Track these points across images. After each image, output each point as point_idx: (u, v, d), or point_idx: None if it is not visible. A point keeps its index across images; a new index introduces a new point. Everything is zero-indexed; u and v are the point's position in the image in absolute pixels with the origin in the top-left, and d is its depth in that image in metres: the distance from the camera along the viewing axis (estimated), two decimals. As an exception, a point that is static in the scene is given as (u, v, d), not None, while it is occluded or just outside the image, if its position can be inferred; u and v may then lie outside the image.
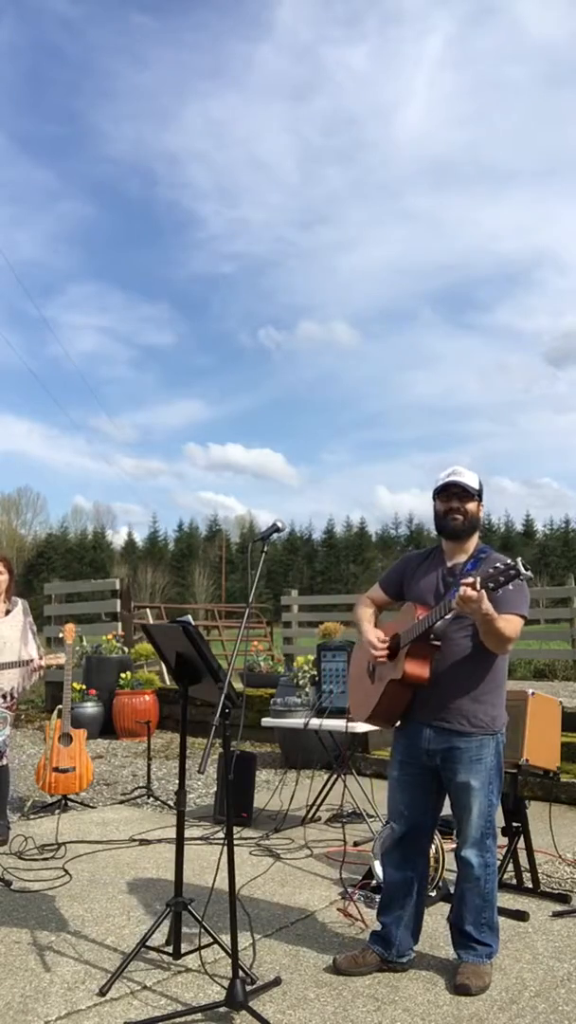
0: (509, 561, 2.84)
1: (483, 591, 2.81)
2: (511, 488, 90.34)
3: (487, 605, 2.85)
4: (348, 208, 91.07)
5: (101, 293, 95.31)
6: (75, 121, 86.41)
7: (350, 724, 5.49)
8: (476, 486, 3.18)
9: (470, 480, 3.18)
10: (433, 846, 3.78)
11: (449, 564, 3.23)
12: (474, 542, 3.23)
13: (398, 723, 3.28)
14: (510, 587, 2.89)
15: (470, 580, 2.83)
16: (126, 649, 10.40)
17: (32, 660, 5.09)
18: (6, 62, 77.27)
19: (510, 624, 2.99)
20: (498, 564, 2.85)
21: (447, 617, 3.05)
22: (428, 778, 3.21)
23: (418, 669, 3.09)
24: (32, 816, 5.77)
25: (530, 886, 4.11)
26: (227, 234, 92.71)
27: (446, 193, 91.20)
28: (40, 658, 5.16)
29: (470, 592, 2.81)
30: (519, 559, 2.82)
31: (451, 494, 3.18)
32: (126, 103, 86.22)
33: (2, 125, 79.50)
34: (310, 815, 5.61)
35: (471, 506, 3.18)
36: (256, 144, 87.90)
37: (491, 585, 2.81)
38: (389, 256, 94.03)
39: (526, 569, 2.77)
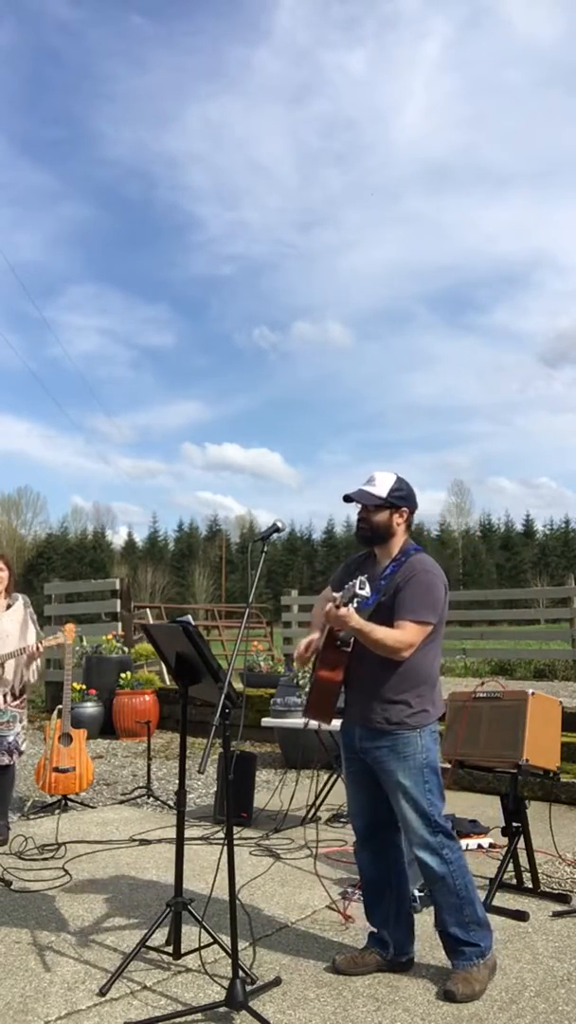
0: (353, 582, 2.98)
1: (349, 608, 2.96)
2: (509, 488, 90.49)
3: (355, 621, 2.98)
4: (346, 210, 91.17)
5: (101, 294, 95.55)
6: (75, 124, 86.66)
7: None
8: (383, 494, 3.20)
9: (378, 488, 3.22)
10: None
11: (376, 568, 3.28)
12: (398, 546, 3.26)
13: (336, 720, 3.31)
14: (408, 589, 3.07)
15: (336, 600, 3.00)
16: (126, 649, 10.39)
17: (27, 647, 5.07)
18: (6, 65, 77.38)
19: (399, 632, 3.03)
20: (349, 583, 3.00)
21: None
22: (372, 772, 3.21)
23: (328, 673, 3.19)
24: (32, 816, 5.77)
25: (530, 886, 4.11)
26: (226, 236, 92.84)
27: (444, 195, 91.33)
28: (39, 644, 5.12)
29: (331, 610, 2.99)
30: (358, 579, 2.98)
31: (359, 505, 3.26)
32: (125, 106, 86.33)
33: (2, 127, 79.64)
34: (310, 815, 5.61)
35: (378, 517, 3.22)
36: (255, 147, 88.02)
37: (345, 603, 2.98)
38: (388, 258, 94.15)
39: (361, 588, 2.95)
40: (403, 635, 3.05)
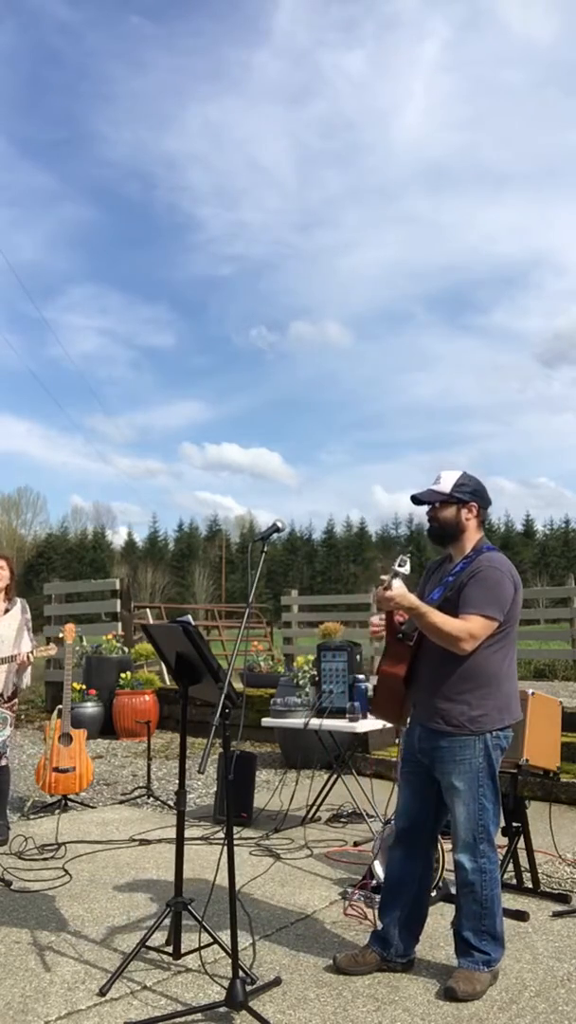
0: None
1: (397, 585, 2.98)
2: (509, 488, 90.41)
3: (409, 601, 3.00)
4: (346, 211, 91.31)
5: (101, 295, 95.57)
6: (74, 125, 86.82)
7: (350, 724, 5.50)
8: (447, 490, 3.19)
9: (443, 485, 3.21)
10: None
11: (448, 567, 3.28)
12: (471, 543, 3.22)
13: (404, 721, 3.30)
14: (472, 585, 3.06)
15: (385, 579, 3.05)
16: (126, 649, 10.39)
17: (18, 655, 5.07)
18: (6, 66, 77.47)
19: (460, 621, 3.01)
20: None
21: (400, 616, 3.20)
22: (426, 776, 3.20)
23: (390, 668, 3.19)
24: (32, 816, 5.77)
25: (530, 886, 4.11)
26: (226, 236, 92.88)
27: (443, 196, 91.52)
28: (31, 652, 5.13)
29: (379, 591, 3.03)
30: (399, 557, 3.05)
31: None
32: (125, 107, 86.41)
33: (2, 128, 79.70)
34: (310, 815, 5.61)
35: (446, 513, 3.21)
36: (255, 147, 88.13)
37: (390, 583, 3.01)
38: (387, 258, 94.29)
39: (400, 566, 3.01)
40: (464, 624, 3.00)
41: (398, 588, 2.99)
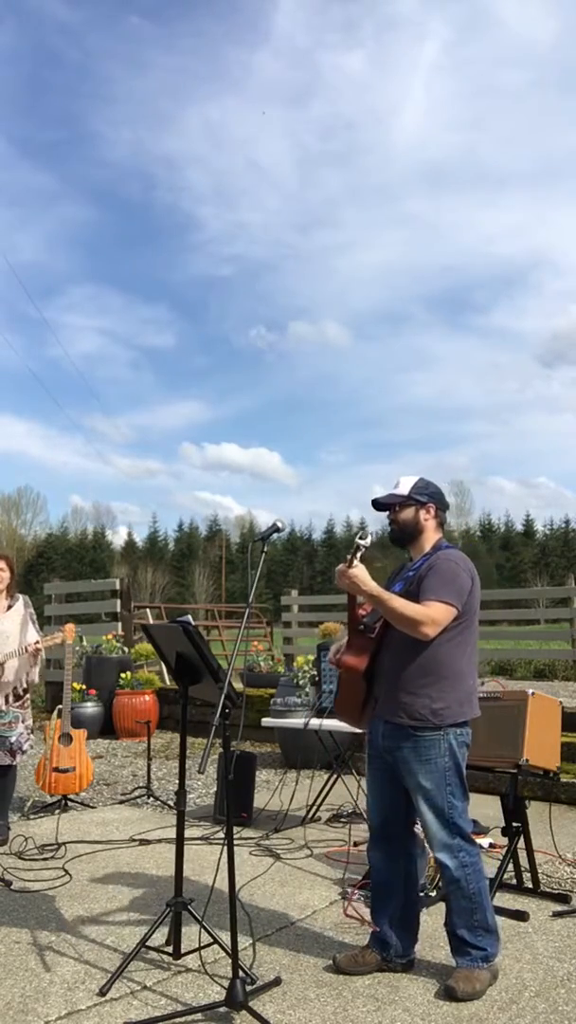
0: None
1: (358, 565, 3.04)
2: (508, 488, 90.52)
3: (369, 586, 3.05)
4: (346, 211, 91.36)
5: (101, 295, 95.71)
6: (74, 125, 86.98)
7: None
8: (405, 492, 3.30)
9: (401, 488, 3.32)
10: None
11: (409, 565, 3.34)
12: (430, 542, 3.30)
13: (363, 718, 3.31)
14: (430, 576, 3.11)
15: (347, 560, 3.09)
16: (126, 649, 10.39)
17: (28, 644, 5.07)
18: (6, 67, 77.51)
19: (423, 608, 3.04)
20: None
21: (363, 609, 3.24)
22: (392, 772, 3.21)
23: (351, 659, 3.21)
24: (32, 816, 5.77)
25: (530, 886, 4.11)
26: (226, 237, 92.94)
27: (443, 196, 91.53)
28: (38, 642, 5.13)
29: (341, 567, 3.09)
30: (360, 530, 3.12)
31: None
32: (125, 107, 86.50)
33: (2, 128, 79.76)
34: (310, 815, 5.61)
35: (404, 514, 3.31)
36: (254, 148, 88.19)
37: (351, 558, 3.07)
38: (386, 258, 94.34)
39: (361, 539, 3.06)
40: (425, 609, 3.04)
41: (359, 571, 3.03)
